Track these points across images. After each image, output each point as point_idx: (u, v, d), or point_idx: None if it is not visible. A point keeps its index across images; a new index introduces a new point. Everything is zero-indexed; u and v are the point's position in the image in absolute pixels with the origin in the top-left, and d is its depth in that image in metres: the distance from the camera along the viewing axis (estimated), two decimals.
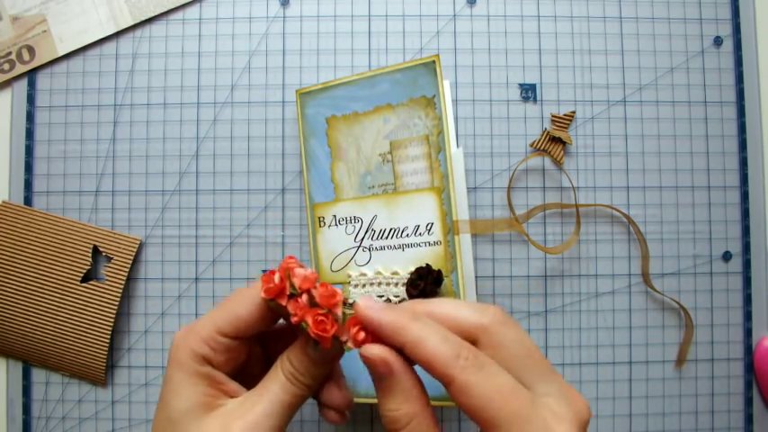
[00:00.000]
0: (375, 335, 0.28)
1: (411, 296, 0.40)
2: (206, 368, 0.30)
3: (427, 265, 0.40)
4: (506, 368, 0.27)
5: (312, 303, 0.28)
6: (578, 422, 0.27)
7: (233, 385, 0.31)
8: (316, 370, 0.30)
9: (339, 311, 0.28)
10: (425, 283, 0.39)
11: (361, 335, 0.28)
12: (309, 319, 0.28)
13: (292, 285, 0.28)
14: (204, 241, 0.47)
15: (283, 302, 0.28)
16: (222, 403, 0.30)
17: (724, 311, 0.47)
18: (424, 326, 0.27)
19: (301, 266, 0.29)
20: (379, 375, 0.28)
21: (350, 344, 0.28)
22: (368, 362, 0.28)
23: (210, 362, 0.30)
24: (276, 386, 0.30)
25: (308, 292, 0.28)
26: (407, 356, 0.27)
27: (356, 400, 0.42)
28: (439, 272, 0.40)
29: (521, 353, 0.28)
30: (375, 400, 0.42)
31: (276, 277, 0.29)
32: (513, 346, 0.28)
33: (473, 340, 0.28)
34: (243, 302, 0.30)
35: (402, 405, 0.27)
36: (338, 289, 0.28)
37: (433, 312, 0.28)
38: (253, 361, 0.33)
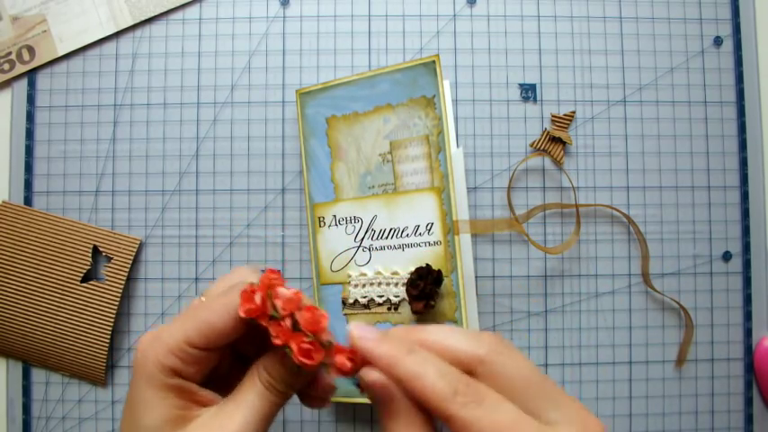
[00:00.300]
0: (364, 363, 0.26)
1: (411, 296, 0.40)
2: (175, 380, 0.28)
3: (427, 265, 0.41)
4: (509, 398, 0.26)
5: (296, 328, 0.26)
6: None
7: (205, 393, 0.29)
8: (294, 381, 0.29)
9: (325, 337, 0.26)
10: (425, 283, 0.39)
11: (348, 364, 0.26)
12: (294, 346, 0.26)
13: (274, 307, 0.26)
14: (204, 241, 0.47)
15: (264, 323, 0.26)
16: (197, 414, 0.28)
17: (724, 311, 0.47)
18: (421, 360, 0.26)
19: (284, 284, 0.27)
20: (380, 399, 0.27)
21: (333, 372, 0.26)
22: (367, 387, 0.27)
23: (180, 373, 0.28)
24: (253, 395, 0.28)
25: (292, 315, 0.26)
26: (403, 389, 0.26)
27: (355, 400, 0.42)
28: (439, 272, 0.40)
29: (522, 382, 0.26)
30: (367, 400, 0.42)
31: (257, 297, 0.26)
32: (513, 375, 0.26)
33: (470, 371, 0.27)
34: (217, 311, 0.28)
35: (406, 429, 0.26)
36: (324, 313, 0.26)
37: (427, 341, 0.27)
38: (222, 361, 0.31)
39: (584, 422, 0.26)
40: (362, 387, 0.26)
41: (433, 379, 0.25)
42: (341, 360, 0.26)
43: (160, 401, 0.27)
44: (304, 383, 0.29)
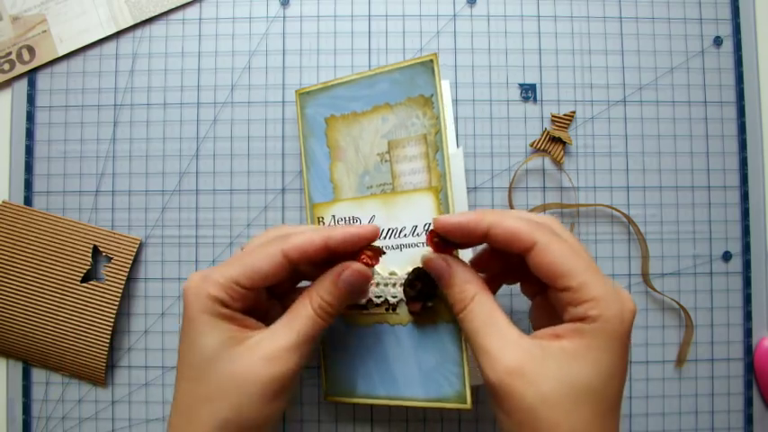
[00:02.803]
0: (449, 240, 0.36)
1: (408, 297, 0.40)
2: (225, 310, 0.33)
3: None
4: (558, 273, 0.32)
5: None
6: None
7: (251, 321, 0.35)
8: (345, 301, 0.36)
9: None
10: (423, 283, 0.39)
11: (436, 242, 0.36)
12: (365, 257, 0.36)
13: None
14: (204, 241, 0.47)
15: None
16: (249, 336, 0.34)
17: (724, 311, 0.47)
18: (498, 212, 0.34)
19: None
20: (440, 273, 0.35)
21: (430, 248, 0.37)
22: (431, 265, 0.36)
23: (228, 306, 0.33)
24: (303, 318, 0.35)
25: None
26: (489, 241, 0.34)
27: (357, 400, 0.42)
28: None
29: (566, 267, 0.32)
30: (375, 401, 0.42)
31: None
32: (560, 258, 0.32)
33: (528, 248, 0.33)
34: (264, 258, 0.34)
35: (465, 286, 0.34)
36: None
37: (494, 222, 0.33)
38: (259, 298, 0.37)
39: (623, 303, 0.32)
40: (427, 266, 0.36)
41: (515, 220, 0.33)
42: (437, 241, 0.36)
43: (218, 325, 0.33)
44: (345, 305, 0.36)
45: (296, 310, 0.35)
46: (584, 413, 0.30)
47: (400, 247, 0.42)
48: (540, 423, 0.30)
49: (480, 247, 0.39)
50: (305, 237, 0.34)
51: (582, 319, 0.31)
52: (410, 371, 0.40)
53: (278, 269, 0.34)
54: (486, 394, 0.39)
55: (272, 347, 0.33)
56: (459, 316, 0.34)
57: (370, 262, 0.36)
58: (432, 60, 0.40)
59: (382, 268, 0.42)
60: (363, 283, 0.36)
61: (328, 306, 0.35)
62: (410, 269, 0.41)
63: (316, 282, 0.36)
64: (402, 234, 0.42)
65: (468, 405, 0.39)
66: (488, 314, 0.33)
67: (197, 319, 0.33)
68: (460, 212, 0.35)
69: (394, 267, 0.42)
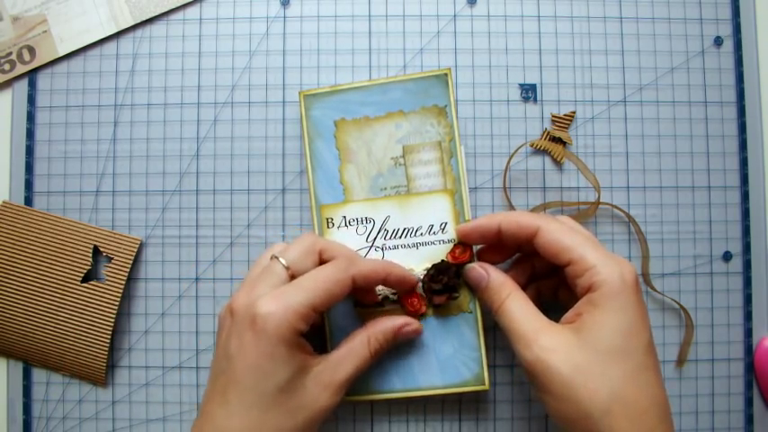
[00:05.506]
0: (472, 249, 0.42)
1: (433, 291, 0.41)
2: (300, 339, 0.36)
3: (443, 260, 0.42)
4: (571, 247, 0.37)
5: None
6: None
7: (309, 347, 0.37)
8: (394, 345, 0.40)
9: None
10: (448, 277, 0.41)
11: (457, 251, 0.42)
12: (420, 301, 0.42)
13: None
14: (204, 241, 0.47)
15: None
16: (312, 364, 0.36)
17: (724, 311, 0.47)
18: (504, 212, 0.42)
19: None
20: (479, 280, 0.40)
21: (449, 258, 0.42)
22: (470, 274, 0.40)
23: (303, 335, 0.36)
24: (361, 357, 0.38)
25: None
26: (502, 235, 0.39)
27: (372, 397, 0.42)
28: (457, 265, 0.41)
29: (579, 237, 0.37)
30: (392, 395, 0.42)
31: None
32: (573, 233, 0.37)
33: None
34: (336, 284, 0.36)
35: (500, 288, 0.38)
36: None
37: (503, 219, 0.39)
38: None
39: (621, 266, 0.35)
40: (467, 276, 0.41)
41: (520, 213, 0.40)
42: (458, 252, 0.42)
43: (291, 356, 0.35)
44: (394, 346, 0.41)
45: (354, 346, 0.38)
46: (616, 372, 0.33)
47: (416, 245, 0.43)
48: (579, 392, 0.33)
49: (513, 259, 0.43)
50: (370, 266, 0.39)
51: (589, 288, 0.35)
52: (428, 361, 0.42)
53: (346, 293, 0.37)
54: (526, 377, 0.43)
55: (333, 380, 0.36)
56: (497, 312, 0.38)
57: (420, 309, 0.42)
58: (446, 74, 0.43)
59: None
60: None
61: (381, 349, 0.39)
62: (427, 265, 0.42)
63: (375, 324, 0.40)
64: (418, 233, 0.43)
65: (487, 386, 0.41)
66: (522, 307, 0.37)
67: (276, 351, 0.34)
68: (474, 220, 0.40)
69: (411, 264, 0.43)
